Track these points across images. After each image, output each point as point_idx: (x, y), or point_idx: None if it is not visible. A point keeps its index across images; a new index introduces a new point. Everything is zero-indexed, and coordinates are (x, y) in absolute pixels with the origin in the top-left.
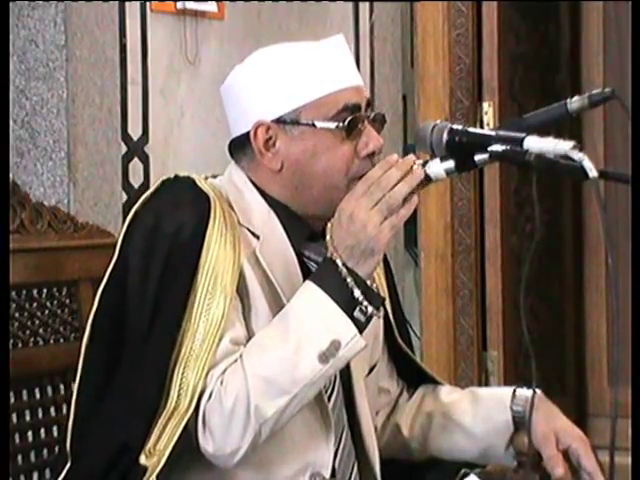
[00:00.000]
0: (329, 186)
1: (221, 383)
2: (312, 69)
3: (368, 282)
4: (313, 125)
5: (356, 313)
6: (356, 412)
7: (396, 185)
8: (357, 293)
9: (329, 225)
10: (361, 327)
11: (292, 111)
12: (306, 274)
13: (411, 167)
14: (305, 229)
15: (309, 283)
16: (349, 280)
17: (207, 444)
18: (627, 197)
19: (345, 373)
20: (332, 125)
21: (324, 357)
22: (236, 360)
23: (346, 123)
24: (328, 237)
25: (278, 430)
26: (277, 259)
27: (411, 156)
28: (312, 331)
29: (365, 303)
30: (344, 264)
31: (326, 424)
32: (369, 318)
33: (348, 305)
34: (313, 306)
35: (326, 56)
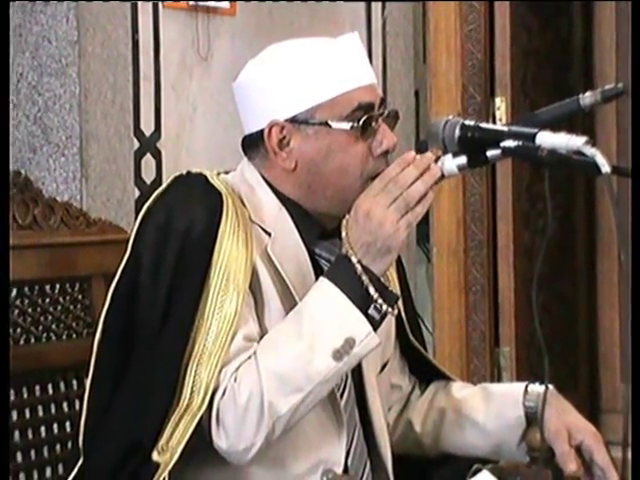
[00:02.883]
0: (343, 185)
1: (235, 380)
2: (326, 68)
3: (382, 279)
4: (328, 125)
5: (371, 311)
6: (368, 409)
7: (413, 183)
8: (372, 291)
9: (344, 222)
10: (375, 325)
11: (306, 110)
12: (318, 272)
13: (428, 165)
14: (317, 227)
15: (323, 280)
16: (364, 278)
17: (220, 441)
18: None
19: (357, 370)
20: (347, 125)
21: (338, 355)
22: (250, 357)
23: (360, 123)
24: (343, 234)
25: (291, 427)
26: (289, 256)
27: (428, 154)
28: (326, 328)
29: (380, 301)
30: (359, 261)
31: (338, 421)
32: (384, 316)
33: (363, 302)
34: (327, 303)
35: (340, 54)
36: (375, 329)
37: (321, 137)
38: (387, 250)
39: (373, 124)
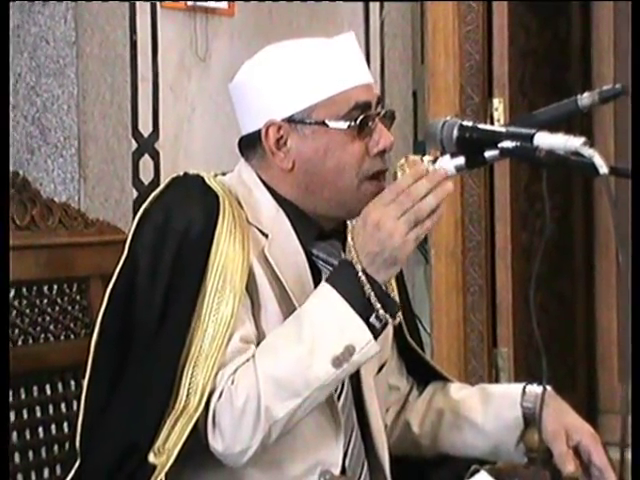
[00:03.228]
0: (340, 186)
1: (232, 382)
2: (323, 67)
3: (384, 287)
4: (325, 124)
5: (372, 319)
6: (366, 411)
7: (425, 197)
8: (374, 300)
9: (350, 227)
10: (376, 333)
11: (303, 110)
12: (315, 273)
13: (441, 179)
14: (314, 228)
15: (325, 285)
16: (367, 287)
17: (216, 443)
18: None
19: (354, 373)
20: (344, 125)
21: (338, 362)
22: (247, 359)
23: (357, 122)
24: (349, 239)
25: (288, 430)
26: (286, 258)
27: (441, 169)
28: (327, 334)
29: (381, 311)
30: (363, 270)
31: (336, 423)
32: (385, 325)
33: (364, 310)
34: (329, 309)
35: (337, 54)
36: (375, 337)
37: (318, 137)
38: (393, 261)
39: (370, 123)
